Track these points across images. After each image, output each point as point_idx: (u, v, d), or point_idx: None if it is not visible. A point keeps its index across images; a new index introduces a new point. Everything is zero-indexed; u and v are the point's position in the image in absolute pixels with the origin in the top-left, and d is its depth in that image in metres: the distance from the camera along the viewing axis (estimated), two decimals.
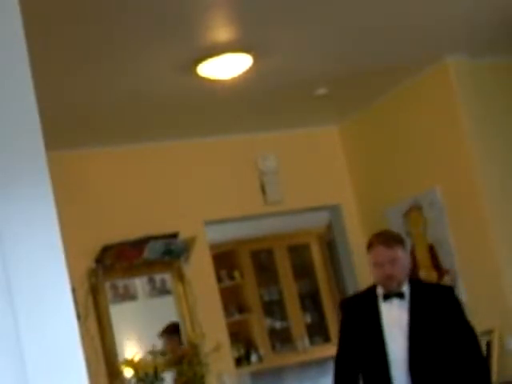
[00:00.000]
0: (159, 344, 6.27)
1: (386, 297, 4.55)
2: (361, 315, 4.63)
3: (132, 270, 6.34)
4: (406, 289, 4.56)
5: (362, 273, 7.00)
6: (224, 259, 8.71)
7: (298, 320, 9.33)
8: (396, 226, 6.50)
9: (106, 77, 5.24)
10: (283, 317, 9.30)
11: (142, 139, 6.51)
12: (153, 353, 6.14)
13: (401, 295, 4.53)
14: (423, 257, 6.50)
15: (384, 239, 4.60)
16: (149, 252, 6.34)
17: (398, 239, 4.68)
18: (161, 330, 6.41)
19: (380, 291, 4.57)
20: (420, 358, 4.42)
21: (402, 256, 4.57)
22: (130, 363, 6.05)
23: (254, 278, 9.15)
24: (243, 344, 8.93)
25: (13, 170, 2.38)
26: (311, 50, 5.51)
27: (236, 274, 9.05)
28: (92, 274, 6.20)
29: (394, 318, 4.51)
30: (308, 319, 9.44)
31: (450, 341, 4.48)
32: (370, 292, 4.66)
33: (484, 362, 4.74)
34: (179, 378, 6.18)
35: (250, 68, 5.42)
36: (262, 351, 9.00)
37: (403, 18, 5.24)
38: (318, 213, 7.63)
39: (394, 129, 6.75)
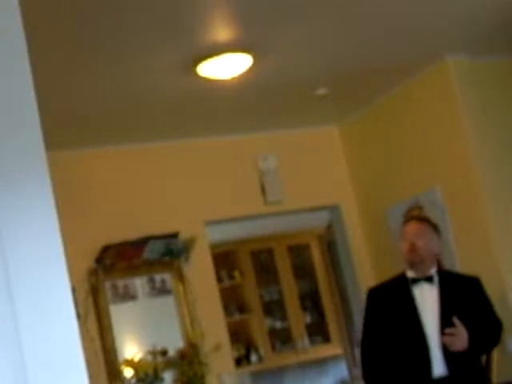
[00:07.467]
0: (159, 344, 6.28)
1: (415, 281, 4.89)
2: (393, 299, 4.94)
3: (132, 270, 6.34)
4: (434, 273, 4.91)
5: (362, 273, 7.01)
6: (224, 259, 8.71)
7: (297, 320, 9.33)
8: (396, 225, 6.49)
9: (106, 76, 5.23)
10: (283, 317, 9.31)
11: (142, 139, 6.51)
12: (153, 353, 6.14)
13: (429, 279, 4.88)
14: None
15: (417, 217, 5.46)
16: (149, 252, 6.34)
17: (431, 222, 5.17)
18: None
19: (410, 275, 4.92)
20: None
21: (430, 235, 4.99)
22: (129, 363, 6.05)
23: (254, 277, 9.16)
24: (243, 344, 8.94)
25: (13, 170, 2.37)
26: (311, 50, 5.51)
27: (236, 273, 9.06)
28: (92, 273, 6.20)
29: (426, 300, 4.85)
30: (308, 319, 9.45)
31: (474, 321, 4.84)
32: (400, 278, 4.99)
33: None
34: (179, 378, 6.18)
35: (250, 68, 5.42)
36: (261, 351, 9.01)
37: (403, 18, 5.24)
38: (318, 213, 7.62)
39: (394, 129, 6.75)
